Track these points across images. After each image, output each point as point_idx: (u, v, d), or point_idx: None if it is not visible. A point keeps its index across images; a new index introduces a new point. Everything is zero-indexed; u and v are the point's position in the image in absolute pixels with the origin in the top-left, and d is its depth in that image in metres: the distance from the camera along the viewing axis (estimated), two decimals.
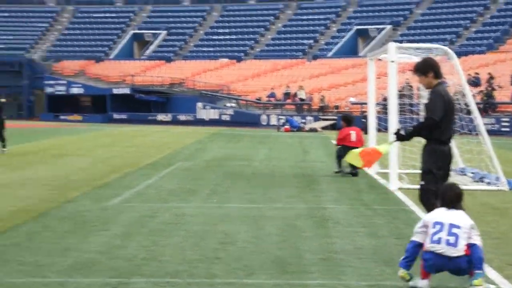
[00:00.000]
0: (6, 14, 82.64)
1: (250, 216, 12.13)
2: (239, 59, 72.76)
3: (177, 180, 17.44)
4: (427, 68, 9.29)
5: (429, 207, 8.70)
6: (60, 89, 71.05)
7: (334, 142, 20.68)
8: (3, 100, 25.76)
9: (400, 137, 9.38)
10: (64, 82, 71.01)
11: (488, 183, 16.74)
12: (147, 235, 10.40)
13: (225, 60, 72.77)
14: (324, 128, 49.80)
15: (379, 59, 20.34)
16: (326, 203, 13.87)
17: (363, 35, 71.00)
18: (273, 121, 55.28)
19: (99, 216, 12.00)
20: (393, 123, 16.54)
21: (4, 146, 25.21)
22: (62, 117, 67.77)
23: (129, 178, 17.85)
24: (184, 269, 8.36)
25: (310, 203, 13.81)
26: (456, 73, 17.19)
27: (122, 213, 12.38)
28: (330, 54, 69.78)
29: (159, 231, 10.76)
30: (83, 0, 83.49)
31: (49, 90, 71.42)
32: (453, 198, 7.77)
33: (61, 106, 69.91)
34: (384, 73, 18.56)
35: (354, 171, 18.22)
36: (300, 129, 49.84)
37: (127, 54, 77.43)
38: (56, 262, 8.68)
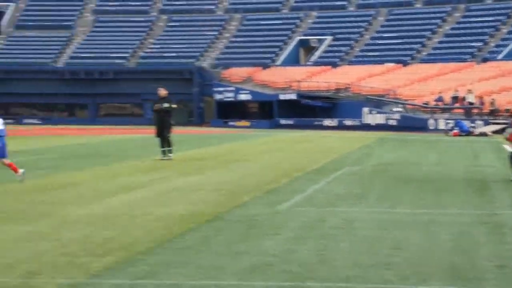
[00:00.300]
0: (177, 24, 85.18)
1: (421, 222, 11.97)
2: (405, 63, 71.93)
3: (344, 185, 17.43)
4: None
5: None
6: (229, 96, 72.43)
7: (507, 146, 20.12)
8: (174, 105, 26.10)
9: None
10: (233, 89, 72.34)
11: None
12: (318, 239, 10.45)
13: (391, 64, 72.10)
14: (495, 132, 48.48)
15: None
16: (499, 209, 13.50)
17: None
18: (441, 125, 54.29)
19: (269, 220, 12.15)
20: None
21: (170, 152, 24.96)
22: (230, 123, 69.12)
23: (297, 182, 17.99)
24: (357, 274, 8.35)
25: (482, 209, 13.49)
26: None
27: (292, 217, 12.50)
28: (500, 56, 67.87)
29: (329, 235, 10.79)
30: (250, 8, 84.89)
31: (218, 96, 72.97)
32: None
33: (229, 112, 71.29)
34: None
35: None
36: (469, 133, 48.77)
37: (293, 60, 78.08)
38: (230, 265, 8.86)
